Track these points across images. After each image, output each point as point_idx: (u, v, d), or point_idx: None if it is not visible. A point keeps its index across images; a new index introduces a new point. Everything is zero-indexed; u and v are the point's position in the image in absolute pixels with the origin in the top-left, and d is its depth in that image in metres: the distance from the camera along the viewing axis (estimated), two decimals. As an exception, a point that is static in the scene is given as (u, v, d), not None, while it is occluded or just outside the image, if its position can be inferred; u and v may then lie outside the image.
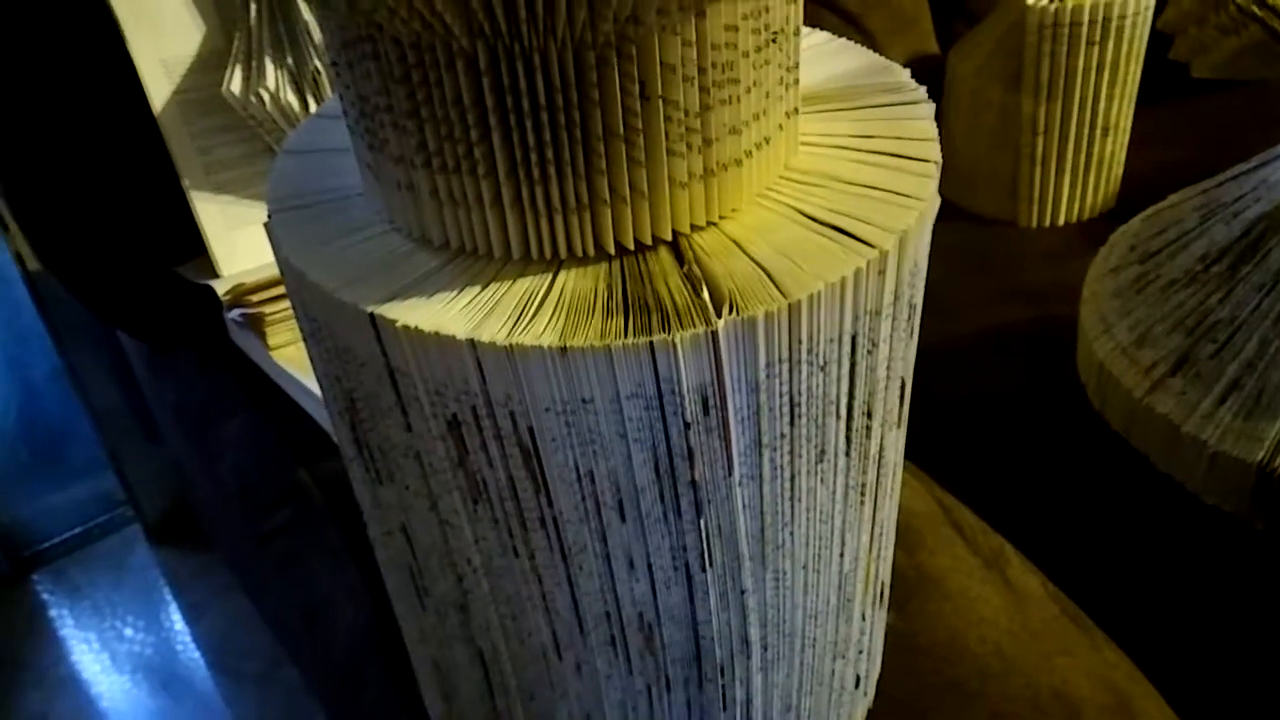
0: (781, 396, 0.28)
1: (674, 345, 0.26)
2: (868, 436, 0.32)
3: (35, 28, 0.64)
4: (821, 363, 0.28)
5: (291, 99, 0.61)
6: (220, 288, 0.65)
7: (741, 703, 0.35)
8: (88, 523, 1.17)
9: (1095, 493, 0.65)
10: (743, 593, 0.32)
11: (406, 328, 0.27)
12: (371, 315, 0.27)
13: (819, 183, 0.31)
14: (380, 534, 0.37)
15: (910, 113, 0.34)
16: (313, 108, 0.62)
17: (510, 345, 0.26)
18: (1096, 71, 0.84)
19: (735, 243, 0.29)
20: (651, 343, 0.26)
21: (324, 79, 0.62)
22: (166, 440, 0.96)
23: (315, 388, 0.52)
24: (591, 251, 0.29)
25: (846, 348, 0.29)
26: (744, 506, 0.30)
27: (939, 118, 0.33)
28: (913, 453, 0.44)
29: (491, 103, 0.26)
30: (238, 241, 0.66)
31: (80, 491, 1.16)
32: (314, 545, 0.62)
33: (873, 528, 0.36)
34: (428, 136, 0.28)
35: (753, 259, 0.28)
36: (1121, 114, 0.87)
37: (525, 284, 0.28)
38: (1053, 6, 0.82)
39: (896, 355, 0.32)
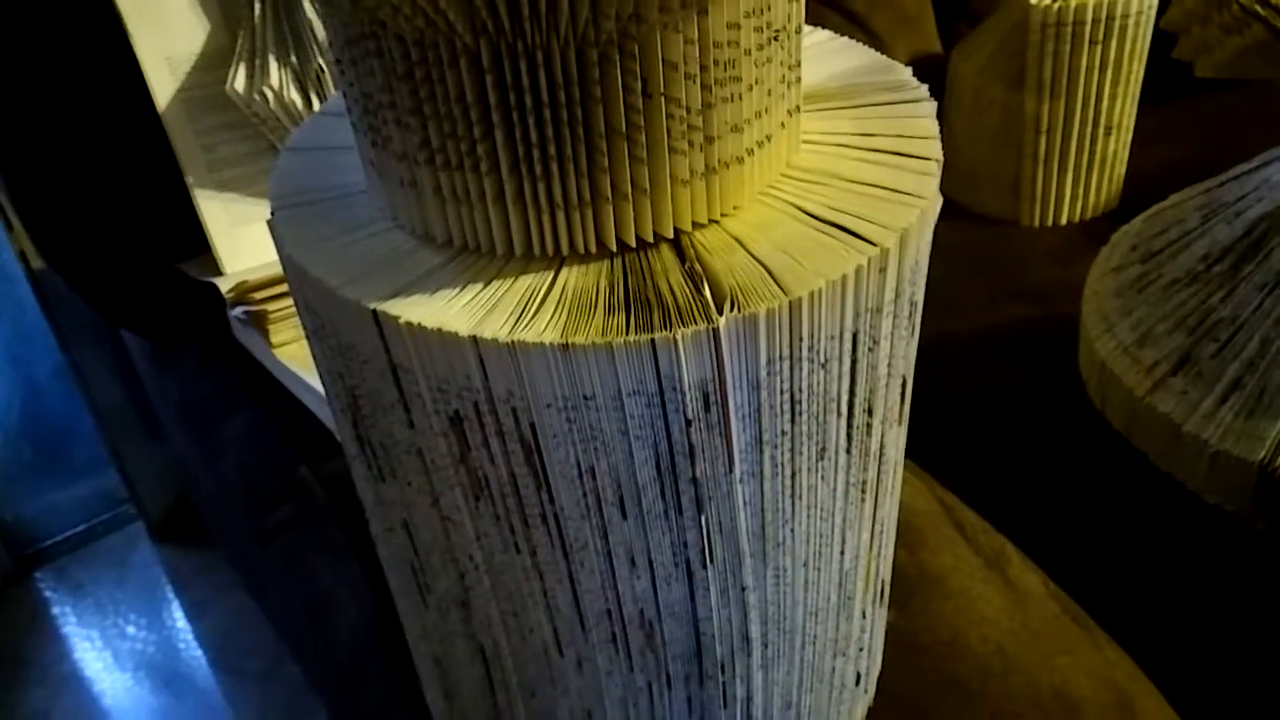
0: (782, 394, 0.28)
1: (675, 342, 0.26)
2: (869, 434, 0.32)
3: (40, 25, 0.64)
4: (823, 360, 0.28)
5: (295, 97, 0.62)
6: (223, 285, 0.65)
7: (742, 700, 0.35)
8: (90, 520, 1.17)
9: (1096, 492, 0.65)
10: (743, 590, 0.32)
11: (409, 324, 0.27)
12: (374, 312, 0.28)
13: (821, 180, 0.31)
14: (382, 531, 0.37)
15: (912, 111, 0.34)
16: (316, 105, 0.62)
17: (512, 342, 0.26)
18: (1099, 71, 0.84)
19: (737, 240, 0.29)
20: (653, 340, 0.26)
21: (327, 77, 0.62)
22: (169, 438, 0.96)
23: (318, 385, 0.52)
24: (593, 248, 0.29)
25: (848, 345, 0.29)
26: (745, 503, 0.30)
27: (941, 117, 0.33)
28: (914, 451, 0.44)
29: (494, 100, 0.26)
30: (241, 239, 0.66)
31: (83, 489, 1.16)
32: (316, 542, 0.63)
33: (873, 525, 0.36)
34: (431, 133, 0.28)
35: (754, 256, 0.28)
36: (1124, 113, 0.87)
37: (527, 281, 0.28)
38: (1056, 6, 0.81)
39: (898, 353, 0.32)
